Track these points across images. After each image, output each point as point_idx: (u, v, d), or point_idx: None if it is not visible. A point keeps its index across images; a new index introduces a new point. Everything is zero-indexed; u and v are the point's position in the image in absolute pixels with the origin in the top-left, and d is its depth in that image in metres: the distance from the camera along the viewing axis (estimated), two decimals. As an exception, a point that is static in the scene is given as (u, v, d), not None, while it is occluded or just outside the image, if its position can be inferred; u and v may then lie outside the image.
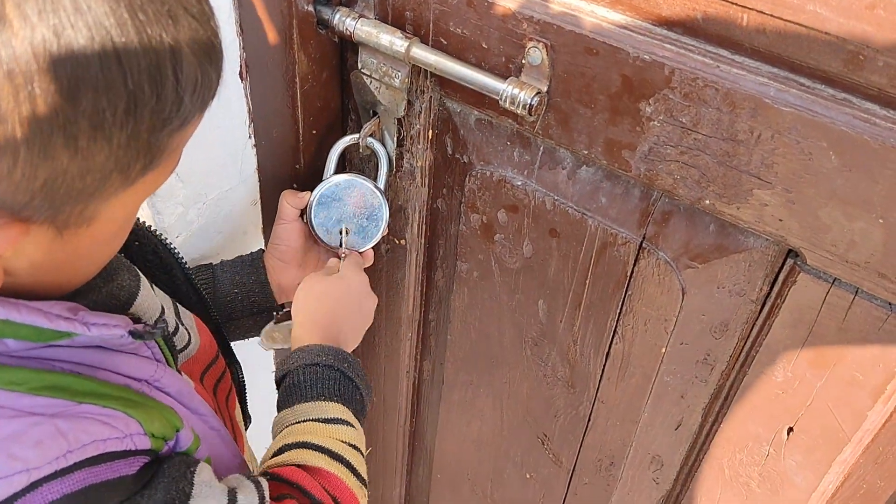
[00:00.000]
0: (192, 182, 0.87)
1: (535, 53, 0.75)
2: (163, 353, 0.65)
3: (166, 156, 0.52)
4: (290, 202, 0.93)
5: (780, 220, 0.70)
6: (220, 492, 0.61)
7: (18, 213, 0.47)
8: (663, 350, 0.88)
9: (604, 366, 0.96)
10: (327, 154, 0.94)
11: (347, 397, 0.78)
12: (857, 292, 0.70)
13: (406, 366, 1.23)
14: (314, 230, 0.93)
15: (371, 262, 0.97)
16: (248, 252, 0.95)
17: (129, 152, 0.48)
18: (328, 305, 0.86)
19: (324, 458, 0.71)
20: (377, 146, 0.93)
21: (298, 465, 0.70)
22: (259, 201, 0.99)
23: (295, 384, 0.77)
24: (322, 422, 0.74)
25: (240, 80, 0.86)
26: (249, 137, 0.92)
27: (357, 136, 0.92)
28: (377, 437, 1.41)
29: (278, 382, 0.80)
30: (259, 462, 0.76)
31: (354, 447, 0.75)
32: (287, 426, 0.75)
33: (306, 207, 0.92)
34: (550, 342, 1.00)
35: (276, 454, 0.72)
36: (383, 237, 0.98)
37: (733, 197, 0.71)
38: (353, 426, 0.76)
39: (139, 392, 0.60)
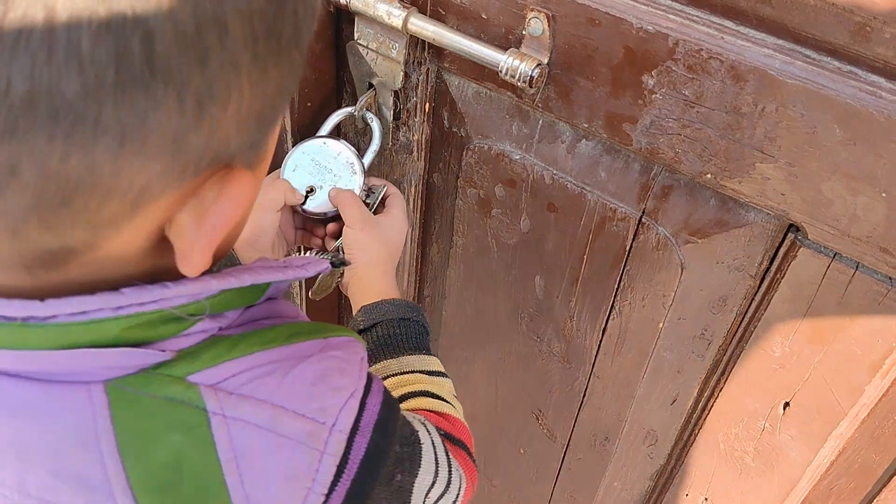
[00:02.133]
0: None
1: (536, 24, 0.74)
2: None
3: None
4: (287, 197, 0.88)
5: (783, 195, 0.69)
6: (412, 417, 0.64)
7: (232, 160, 0.40)
8: (661, 325, 0.88)
9: (600, 341, 0.96)
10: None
11: (432, 350, 0.81)
12: (857, 267, 0.70)
13: (400, 342, 1.23)
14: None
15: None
16: None
17: (301, 63, 0.43)
18: (389, 249, 0.88)
19: (446, 405, 0.73)
20: (373, 120, 0.92)
21: (432, 412, 0.72)
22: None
23: (393, 336, 0.78)
24: (429, 374, 0.76)
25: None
26: (244, 110, 0.90)
27: (353, 108, 0.91)
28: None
29: (363, 330, 0.80)
30: None
31: (455, 396, 0.77)
32: (394, 375, 0.76)
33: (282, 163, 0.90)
34: (546, 318, 0.99)
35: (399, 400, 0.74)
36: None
37: (735, 171, 0.71)
38: (447, 376, 0.78)
39: None
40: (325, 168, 0.90)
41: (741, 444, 0.91)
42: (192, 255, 0.42)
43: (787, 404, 0.84)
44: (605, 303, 0.91)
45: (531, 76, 0.74)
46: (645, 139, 0.75)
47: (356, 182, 0.90)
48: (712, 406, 0.91)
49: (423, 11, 0.81)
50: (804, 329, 0.77)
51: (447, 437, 0.68)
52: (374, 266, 0.86)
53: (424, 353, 0.78)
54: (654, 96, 0.71)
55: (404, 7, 0.79)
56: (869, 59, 0.61)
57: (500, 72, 0.75)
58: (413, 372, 0.76)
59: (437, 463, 0.63)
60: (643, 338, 0.91)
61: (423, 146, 0.95)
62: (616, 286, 0.89)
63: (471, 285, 1.05)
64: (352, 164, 0.90)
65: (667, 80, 0.70)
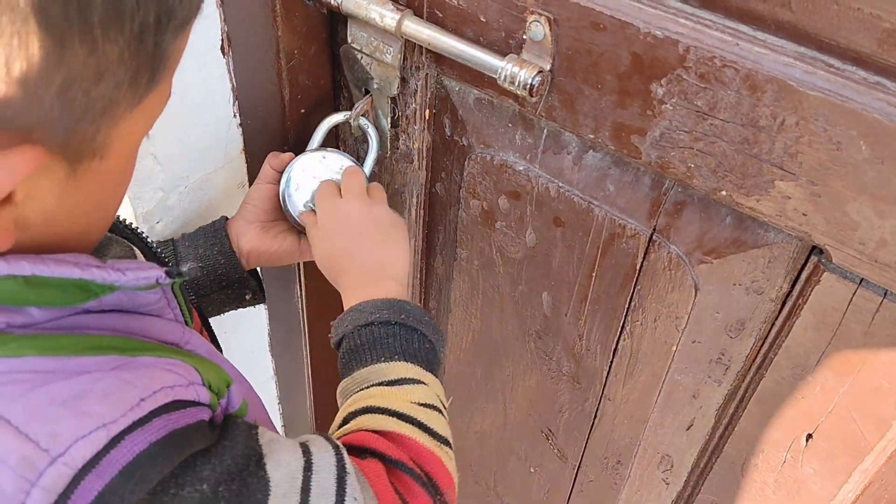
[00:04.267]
0: (172, 164, 0.82)
1: (537, 28, 0.68)
2: (183, 315, 0.59)
3: (166, 70, 0.48)
4: (270, 163, 0.86)
5: (804, 215, 0.63)
6: (291, 444, 0.55)
7: (31, 133, 0.41)
8: (674, 348, 0.82)
9: (611, 362, 0.90)
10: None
11: (412, 352, 0.70)
12: (885, 294, 0.64)
13: (406, 354, 1.18)
14: (283, 201, 0.85)
15: None
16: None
17: (139, 54, 0.43)
18: (355, 240, 0.78)
19: (392, 420, 0.64)
20: (369, 127, 0.87)
21: (367, 430, 0.63)
22: (247, 184, 0.93)
23: (352, 349, 0.70)
24: (386, 384, 0.67)
25: (221, 55, 0.80)
26: (234, 116, 0.86)
27: (347, 114, 0.86)
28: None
29: (336, 347, 0.73)
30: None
31: (426, 405, 0.66)
32: (349, 395, 0.68)
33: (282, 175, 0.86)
34: (555, 336, 0.94)
35: (340, 425, 0.65)
36: None
37: (753, 188, 0.65)
38: (423, 382, 0.68)
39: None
40: (326, 181, 0.86)
41: (761, 474, 0.85)
42: None
43: (809, 436, 0.78)
44: (616, 323, 0.86)
45: (531, 84, 0.69)
46: (655, 152, 0.69)
47: None
48: (731, 434, 0.85)
49: (418, 14, 0.76)
50: (828, 358, 0.71)
51: (384, 459, 0.60)
52: (331, 263, 0.78)
53: (385, 361, 0.68)
54: (663, 107, 0.66)
55: (398, 9, 0.74)
56: (900, 68, 0.55)
57: (499, 79, 0.70)
58: (369, 387, 0.67)
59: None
60: (656, 360, 0.85)
61: (425, 155, 0.90)
62: (627, 306, 0.83)
63: (476, 299, 1.00)
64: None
65: (677, 89, 0.64)
